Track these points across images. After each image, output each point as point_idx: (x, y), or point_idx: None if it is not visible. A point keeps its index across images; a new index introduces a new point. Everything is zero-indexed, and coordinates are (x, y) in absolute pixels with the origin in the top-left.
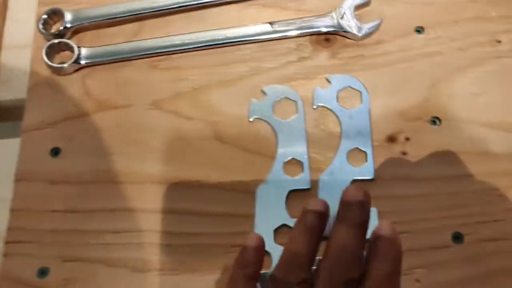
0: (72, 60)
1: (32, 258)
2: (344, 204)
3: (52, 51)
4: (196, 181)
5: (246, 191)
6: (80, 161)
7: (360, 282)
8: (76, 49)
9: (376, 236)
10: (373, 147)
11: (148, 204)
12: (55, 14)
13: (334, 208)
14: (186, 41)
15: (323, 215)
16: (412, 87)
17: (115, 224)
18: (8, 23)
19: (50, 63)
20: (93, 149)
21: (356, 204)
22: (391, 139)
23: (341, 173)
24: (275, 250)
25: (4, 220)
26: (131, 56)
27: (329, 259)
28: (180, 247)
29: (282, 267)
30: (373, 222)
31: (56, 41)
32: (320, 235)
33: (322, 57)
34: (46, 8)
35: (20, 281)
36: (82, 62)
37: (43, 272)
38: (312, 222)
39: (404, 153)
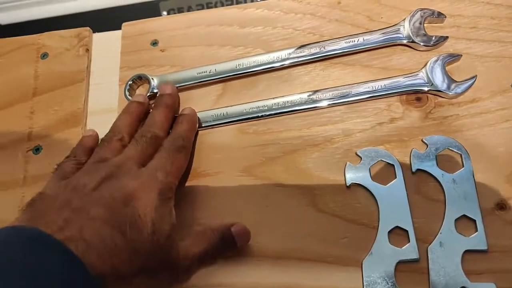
0: None
1: None
2: (159, 95)
3: None
4: (293, 253)
5: (350, 264)
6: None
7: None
8: None
9: (180, 113)
10: (482, 214)
11: (240, 278)
12: (139, 79)
13: (449, 280)
14: (274, 106)
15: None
16: None
17: None
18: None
19: None
20: (186, 219)
21: (165, 94)
22: (501, 206)
23: (451, 243)
24: None
25: None
26: (218, 123)
27: (145, 126)
28: None
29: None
30: None
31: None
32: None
33: (415, 117)
34: (129, 71)
35: None
36: None
37: None
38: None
39: None
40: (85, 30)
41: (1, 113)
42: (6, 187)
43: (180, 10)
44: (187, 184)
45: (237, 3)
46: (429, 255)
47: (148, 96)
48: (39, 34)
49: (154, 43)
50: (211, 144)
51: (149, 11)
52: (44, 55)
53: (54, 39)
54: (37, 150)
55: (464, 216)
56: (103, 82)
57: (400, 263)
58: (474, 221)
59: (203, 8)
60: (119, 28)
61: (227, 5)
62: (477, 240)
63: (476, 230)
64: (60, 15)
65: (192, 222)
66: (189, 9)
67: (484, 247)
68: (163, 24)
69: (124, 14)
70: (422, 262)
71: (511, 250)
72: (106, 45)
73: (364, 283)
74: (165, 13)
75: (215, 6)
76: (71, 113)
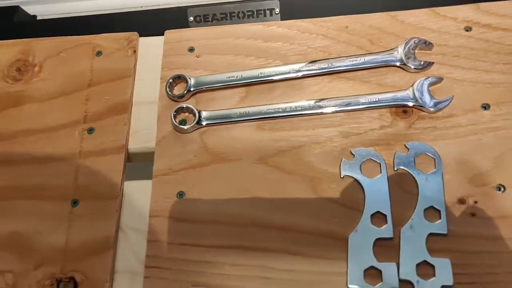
0: (194, 122)
1: (167, 282)
2: None
3: (177, 113)
4: (294, 227)
5: (339, 238)
6: (201, 204)
7: None
8: (197, 113)
9: None
10: (446, 206)
11: (253, 243)
12: (178, 79)
13: (415, 255)
14: (287, 109)
15: None
16: (479, 157)
17: (232, 259)
18: (136, 82)
19: (177, 124)
20: (211, 194)
21: None
22: (461, 201)
23: (419, 227)
24: (364, 286)
25: (142, 248)
26: (241, 120)
27: None
28: (279, 280)
29: None
30: (447, 272)
31: (184, 105)
32: None
33: (400, 126)
34: (168, 72)
35: None
36: (203, 123)
37: None
38: None
39: (473, 214)
40: (133, 35)
41: (63, 98)
42: (65, 159)
43: (205, 17)
44: (212, 166)
45: (257, 15)
46: (401, 235)
47: (185, 93)
48: (94, 35)
49: (191, 49)
50: (234, 136)
51: (177, 15)
52: (99, 53)
53: (107, 40)
54: (90, 130)
55: (432, 207)
56: (145, 79)
57: (378, 239)
58: (439, 211)
59: (226, 16)
60: (147, 30)
61: (248, 15)
62: (440, 226)
63: (440, 218)
64: (93, 14)
65: (213, 196)
66: (214, 17)
67: (445, 232)
68: (199, 34)
69: (154, 17)
70: (395, 240)
71: (466, 235)
72: (150, 48)
73: (349, 253)
74: (191, 18)
75: (237, 16)
76: (120, 102)
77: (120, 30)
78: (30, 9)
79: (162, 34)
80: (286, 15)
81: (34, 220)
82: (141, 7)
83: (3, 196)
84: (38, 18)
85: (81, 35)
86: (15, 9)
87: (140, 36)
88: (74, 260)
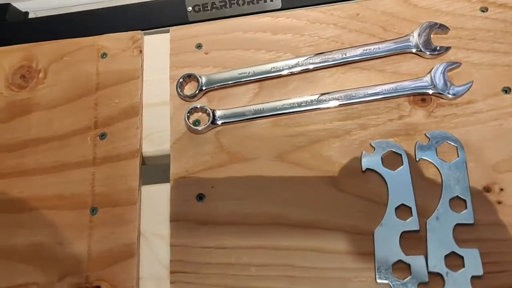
0: (209, 122)
1: (193, 286)
2: None
3: (191, 114)
4: (317, 223)
5: (364, 233)
6: (220, 206)
7: None
8: (211, 112)
9: None
10: (471, 195)
11: (277, 242)
12: (189, 78)
13: (443, 246)
14: (302, 104)
15: None
16: (503, 142)
17: (256, 259)
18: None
19: (191, 125)
20: (231, 195)
21: None
22: (487, 189)
23: (445, 218)
24: (393, 281)
25: (166, 253)
26: (256, 117)
27: None
28: (306, 279)
29: None
30: (476, 262)
31: (197, 105)
32: None
33: (420, 115)
34: (177, 71)
35: None
36: (218, 122)
37: None
38: None
39: (500, 202)
40: (138, 34)
41: (71, 104)
42: (79, 166)
43: (204, 6)
44: (229, 166)
45: (257, 1)
46: (427, 227)
47: (197, 93)
48: (98, 36)
49: (199, 46)
50: (249, 134)
51: (176, 5)
52: (104, 55)
53: (111, 41)
54: (102, 136)
55: (457, 196)
56: (153, 79)
57: (404, 232)
58: (465, 200)
59: (226, 4)
60: (146, 22)
61: (248, 2)
62: (466, 215)
63: (466, 208)
64: (89, 9)
65: (233, 197)
66: (213, 5)
67: (471, 221)
68: (205, 30)
69: (152, 9)
70: (421, 232)
71: (493, 224)
72: (155, 46)
73: (376, 248)
74: (190, 8)
75: (237, 4)
76: (130, 105)
77: (118, 23)
78: (21, 6)
79: (162, 26)
80: (286, 1)
81: (55, 231)
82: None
83: (20, 208)
84: (31, 14)
85: (75, 31)
86: (6, 6)
87: (140, 29)
88: (98, 269)
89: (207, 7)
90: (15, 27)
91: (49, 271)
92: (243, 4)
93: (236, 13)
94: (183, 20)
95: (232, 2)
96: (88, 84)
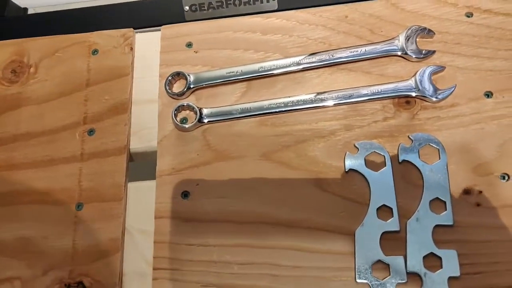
0: (195, 120)
1: (176, 283)
2: None
3: (178, 112)
4: (301, 223)
5: (346, 233)
6: (206, 203)
7: None
8: (198, 110)
9: None
10: (451, 197)
11: (260, 240)
12: (177, 76)
13: (422, 247)
14: (289, 104)
15: None
16: (483, 146)
17: (239, 257)
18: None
19: (179, 123)
20: (216, 193)
21: None
22: (466, 191)
23: (425, 219)
24: (372, 281)
25: (150, 249)
26: (243, 116)
27: None
28: (288, 277)
29: None
30: (453, 263)
31: (184, 103)
32: None
33: (404, 117)
34: (167, 68)
35: None
36: (205, 121)
37: None
38: None
39: (478, 204)
40: (130, 31)
41: (61, 99)
42: (68, 161)
43: (201, 6)
44: (215, 164)
45: (254, 2)
46: (407, 228)
47: (185, 91)
48: (90, 32)
49: (189, 44)
50: (236, 133)
51: (172, 5)
52: (95, 51)
53: (103, 38)
54: (91, 132)
55: (437, 198)
56: (143, 76)
57: (384, 233)
58: (445, 202)
59: (222, 4)
60: (143, 21)
61: (245, 2)
62: (445, 217)
63: (446, 209)
64: (86, 6)
65: (218, 195)
66: (209, 5)
67: (451, 223)
68: (197, 28)
69: (149, 8)
70: (402, 233)
71: (472, 226)
72: (146, 44)
73: (356, 248)
74: (187, 8)
75: (234, 4)
76: (119, 102)
77: (115, 21)
78: (20, 2)
79: (159, 25)
80: (283, 2)
81: (40, 225)
82: None
83: (7, 202)
84: (30, 10)
85: (73, 27)
86: (5, 2)
87: (136, 27)
88: (82, 264)
89: (203, 7)
90: (14, 23)
91: (33, 266)
92: (239, 5)
93: (232, 13)
94: (180, 19)
95: (228, 2)
96: (79, 80)
